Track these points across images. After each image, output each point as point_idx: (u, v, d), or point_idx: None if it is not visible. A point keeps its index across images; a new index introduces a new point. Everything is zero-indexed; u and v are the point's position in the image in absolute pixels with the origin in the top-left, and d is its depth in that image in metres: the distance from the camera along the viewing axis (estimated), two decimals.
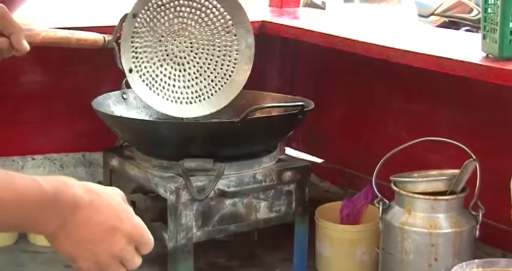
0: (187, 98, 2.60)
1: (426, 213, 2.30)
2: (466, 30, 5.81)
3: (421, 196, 2.31)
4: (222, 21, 2.59)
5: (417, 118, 2.84)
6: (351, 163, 3.12)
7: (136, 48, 2.49)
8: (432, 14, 6.25)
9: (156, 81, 2.54)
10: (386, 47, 2.47)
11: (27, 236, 2.85)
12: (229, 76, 2.62)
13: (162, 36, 2.54)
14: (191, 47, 2.59)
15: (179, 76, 2.59)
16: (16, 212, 0.99)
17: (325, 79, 3.21)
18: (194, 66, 2.61)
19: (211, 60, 2.62)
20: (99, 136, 2.80)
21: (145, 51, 2.51)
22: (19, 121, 2.99)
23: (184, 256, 2.32)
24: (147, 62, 2.52)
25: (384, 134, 2.95)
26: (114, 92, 2.59)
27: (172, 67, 2.58)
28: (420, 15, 6.48)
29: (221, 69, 2.62)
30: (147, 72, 2.52)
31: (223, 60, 2.62)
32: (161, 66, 2.56)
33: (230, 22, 2.59)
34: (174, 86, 2.57)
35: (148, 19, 2.48)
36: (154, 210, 2.36)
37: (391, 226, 2.35)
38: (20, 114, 2.98)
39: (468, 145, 2.32)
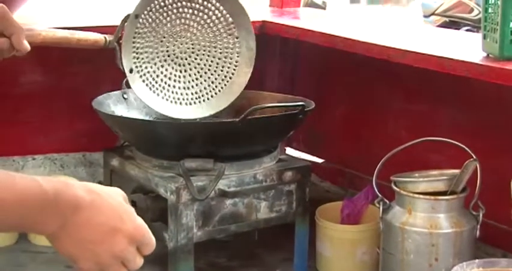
0: (187, 99, 2.60)
1: (427, 213, 2.30)
2: (467, 30, 5.81)
3: (421, 196, 2.30)
4: (224, 23, 2.59)
5: (418, 118, 2.84)
6: (352, 163, 3.12)
7: (137, 48, 2.49)
8: (433, 14, 6.24)
9: (156, 82, 2.54)
10: (387, 47, 2.47)
11: (27, 236, 2.84)
12: (230, 78, 2.62)
13: (164, 37, 2.54)
14: (192, 48, 2.59)
15: (179, 77, 2.59)
16: (16, 212, 0.99)
17: (326, 79, 3.21)
18: (195, 68, 2.61)
19: (212, 61, 2.62)
20: (99, 136, 2.80)
21: (146, 52, 2.51)
22: (19, 121, 2.98)
23: (184, 256, 2.32)
24: (148, 62, 2.52)
25: (385, 133, 2.95)
26: (115, 92, 2.59)
27: (173, 68, 2.58)
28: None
29: (222, 71, 2.62)
30: (148, 72, 2.52)
31: (224, 62, 2.62)
32: (162, 66, 2.55)
33: (232, 24, 2.59)
34: (174, 86, 2.57)
35: (150, 20, 2.48)
36: (154, 210, 2.36)
37: (392, 226, 2.34)
38: (20, 114, 2.98)
39: (469, 146, 2.32)
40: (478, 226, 2.31)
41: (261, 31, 2.91)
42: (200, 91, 2.61)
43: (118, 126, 2.48)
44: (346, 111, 3.15)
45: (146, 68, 2.52)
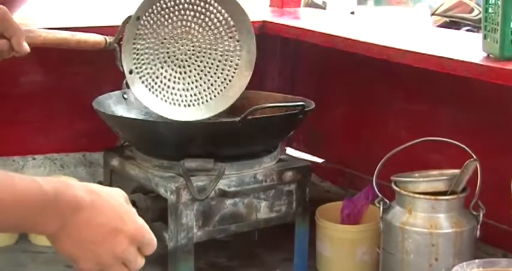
0: (186, 101, 2.60)
1: (427, 213, 2.30)
2: (467, 30, 5.80)
3: (421, 196, 2.30)
4: (226, 26, 2.59)
5: (418, 118, 2.84)
6: (352, 163, 3.12)
7: (137, 49, 2.49)
8: (433, 14, 6.24)
9: (155, 83, 2.54)
10: (387, 47, 2.47)
11: (27, 236, 2.84)
12: (229, 81, 2.63)
13: (165, 39, 2.54)
14: (193, 50, 2.59)
15: (179, 79, 2.59)
16: (16, 213, 0.99)
17: (326, 79, 3.21)
18: (195, 70, 2.61)
19: (212, 64, 2.62)
20: (99, 136, 2.80)
21: (146, 53, 2.51)
22: (19, 121, 2.98)
23: (184, 256, 2.32)
24: (148, 63, 2.53)
25: (385, 133, 2.95)
26: (115, 92, 2.59)
27: (173, 69, 2.58)
28: None
29: (221, 73, 2.63)
30: (147, 73, 2.52)
31: (224, 64, 2.63)
32: (162, 68, 2.56)
33: (233, 28, 2.59)
34: (173, 88, 2.58)
35: (151, 22, 2.49)
36: (154, 210, 2.36)
37: (392, 226, 2.34)
38: (21, 114, 2.98)
39: (469, 145, 2.32)
40: (478, 226, 2.31)
41: (261, 31, 2.91)
42: (199, 93, 2.62)
43: (118, 126, 2.48)
44: (346, 111, 3.15)
45: (146, 69, 2.52)
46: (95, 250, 1.02)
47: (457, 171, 2.30)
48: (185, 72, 2.60)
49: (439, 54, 2.31)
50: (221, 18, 2.58)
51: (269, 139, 2.47)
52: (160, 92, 2.55)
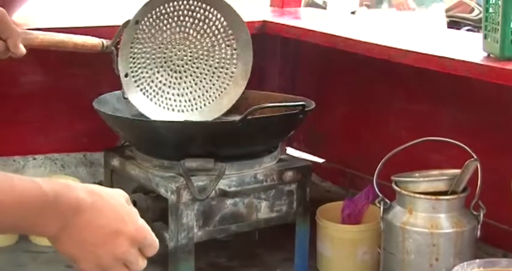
0: (180, 106, 2.61)
1: (427, 213, 2.30)
2: (467, 30, 5.80)
3: (422, 196, 2.30)
4: (224, 34, 2.60)
5: (418, 118, 2.84)
6: (352, 163, 3.12)
7: (134, 53, 2.50)
8: None
9: (150, 87, 2.56)
10: (387, 47, 2.47)
11: (28, 236, 2.84)
12: (224, 88, 2.64)
13: (162, 44, 2.55)
14: (190, 56, 2.60)
15: (174, 84, 2.60)
16: (16, 214, 0.98)
17: (326, 79, 3.21)
18: (191, 75, 2.62)
19: (208, 71, 2.63)
20: (100, 136, 2.80)
21: (143, 57, 2.52)
22: (20, 121, 2.98)
23: (185, 256, 2.32)
24: (144, 67, 2.54)
25: (385, 133, 2.95)
26: (115, 92, 2.59)
27: (168, 74, 2.59)
28: None
29: (217, 81, 2.64)
30: (143, 77, 2.54)
31: (220, 72, 2.64)
32: (157, 72, 2.57)
33: (231, 36, 2.60)
34: (168, 93, 2.59)
35: (150, 26, 2.50)
36: (155, 210, 2.36)
37: (392, 226, 2.34)
38: (21, 114, 2.98)
39: (469, 145, 2.32)
40: (479, 226, 2.31)
41: (261, 31, 2.91)
42: (194, 99, 2.63)
43: (118, 126, 2.48)
44: (346, 111, 3.15)
45: (142, 73, 2.53)
46: (96, 252, 1.02)
47: (457, 171, 2.30)
48: (181, 78, 2.61)
49: (440, 54, 2.31)
50: (219, 26, 2.59)
51: (269, 139, 2.47)
52: (154, 96, 2.56)
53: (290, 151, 3.28)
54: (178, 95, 2.61)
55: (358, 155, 3.09)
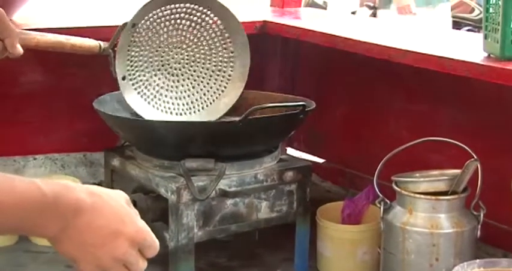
0: (178, 110, 2.62)
1: (427, 213, 2.30)
2: (468, 30, 5.81)
3: (422, 196, 2.30)
4: (221, 37, 2.61)
5: (418, 118, 2.84)
6: (352, 163, 3.12)
7: (131, 56, 2.51)
8: None
9: (148, 90, 2.56)
10: (387, 47, 2.47)
11: (28, 236, 2.84)
12: (222, 91, 2.65)
13: (159, 47, 2.56)
14: (187, 59, 2.61)
15: (172, 87, 2.61)
16: (15, 215, 0.98)
17: (327, 79, 3.21)
18: (188, 79, 2.63)
19: (205, 74, 2.64)
20: (100, 136, 2.80)
21: (140, 60, 2.53)
22: (20, 121, 2.98)
23: (185, 256, 2.32)
24: (142, 71, 2.54)
25: (385, 133, 2.95)
26: (115, 92, 2.59)
27: (166, 78, 2.60)
28: None
29: (214, 84, 2.65)
30: (140, 80, 2.54)
31: (218, 75, 2.65)
32: (155, 75, 2.57)
33: (228, 39, 2.61)
34: (166, 96, 2.60)
35: (147, 29, 2.50)
36: (155, 210, 2.36)
37: (393, 226, 2.34)
38: (21, 114, 2.98)
39: (469, 146, 2.32)
40: (479, 226, 2.31)
41: (261, 31, 2.91)
42: (192, 102, 2.64)
43: (119, 126, 2.48)
44: (346, 111, 3.15)
45: (139, 76, 2.54)
46: (96, 253, 1.02)
47: (457, 171, 2.30)
48: (178, 81, 2.61)
49: (440, 54, 2.31)
50: (216, 29, 2.60)
51: (270, 139, 2.47)
52: (152, 100, 2.57)
53: (290, 151, 3.28)
54: (176, 98, 2.62)
55: (358, 155, 3.09)
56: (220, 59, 2.63)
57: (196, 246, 2.34)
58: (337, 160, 3.22)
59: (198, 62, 2.63)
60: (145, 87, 2.56)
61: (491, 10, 2.23)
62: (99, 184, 2.97)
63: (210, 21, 2.59)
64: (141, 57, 2.53)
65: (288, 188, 2.46)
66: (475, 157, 2.27)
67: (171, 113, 2.61)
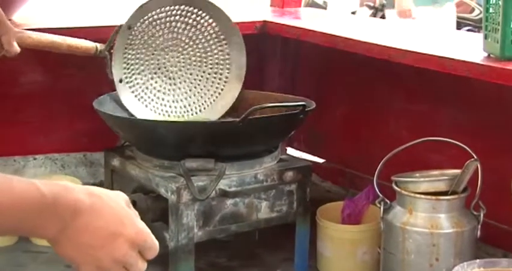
0: (176, 112, 2.62)
1: (427, 213, 2.30)
2: (468, 30, 5.80)
3: (422, 196, 2.30)
4: (216, 39, 2.61)
5: (418, 118, 2.84)
6: (352, 163, 3.12)
7: (128, 59, 2.51)
8: None
9: (145, 93, 2.57)
10: (387, 47, 2.47)
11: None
12: (219, 94, 2.66)
13: (155, 50, 2.56)
14: (183, 62, 2.62)
15: (169, 90, 2.61)
16: (14, 216, 0.98)
17: (327, 79, 3.21)
18: (185, 82, 2.63)
19: (202, 76, 2.65)
20: (100, 136, 2.80)
21: (137, 63, 2.53)
22: (20, 121, 2.98)
23: (185, 256, 2.32)
24: (138, 73, 2.55)
25: (385, 133, 2.95)
26: (115, 92, 2.59)
27: (163, 81, 2.60)
28: None
29: (211, 86, 2.65)
30: (137, 83, 2.55)
31: (214, 77, 2.65)
32: (152, 79, 2.58)
33: (224, 41, 2.62)
34: (163, 99, 2.60)
35: (143, 32, 2.50)
36: (155, 210, 2.36)
37: (393, 226, 2.34)
38: (21, 114, 2.98)
39: (469, 146, 2.32)
40: (479, 226, 2.31)
41: (261, 31, 2.91)
42: (189, 105, 2.64)
43: (118, 126, 2.48)
44: (346, 111, 3.15)
45: (136, 79, 2.54)
46: (95, 254, 1.02)
47: (457, 171, 2.30)
48: (175, 84, 2.62)
49: (440, 54, 2.31)
50: (211, 31, 2.60)
51: (270, 139, 2.47)
52: (149, 103, 2.58)
53: (290, 151, 3.28)
54: (173, 101, 2.63)
55: (358, 155, 3.09)
56: (216, 61, 2.64)
57: (196, 246, 2.34)
58: (337, 160, 3.22)
59: (195, 65, 2.63)
60: (142, 91, 2.56)
61: (491, 10, 2.23)
62: (99, 184, 2.97)
63: (205, 24, 2.59)
64: (137, 60, 2.53)
65: (288, 188, 2.46)
66: (475, 157, 2.27)
67: (168, 115, 2.62)
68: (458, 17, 6.07)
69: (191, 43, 2.60)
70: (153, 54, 2.56)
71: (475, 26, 6.05)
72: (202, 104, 2.66)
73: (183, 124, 2.51)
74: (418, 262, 2.31)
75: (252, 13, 3.16)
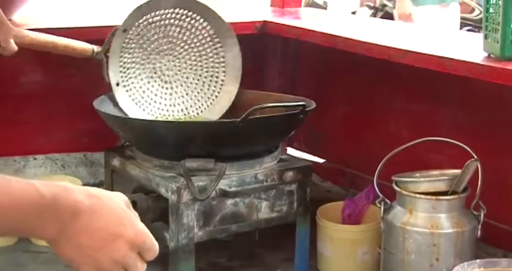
0: (173, 116, 2.63)
1: (428, 213, 2.30)
2: (468, 30, 5.80)
3: (422, 196, 2.30)
4: (211, 43, 2.62)
5: (418, 118, 2.84)
6: (353, 163, 3.12)
7: (124, 62, 2.51)
8: None
9: (142, 97, 2.58)
10: (387, 47, 2.47)
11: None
12: (216, 97, 2.66)
13: (151, 54, 2.57)
14: (179, 66, 2.62)
15: (166, 94, 2.62)
16: (13, 217, 0.97)
17: (327, 79, 3.21)
18: (181, 85, 2.64)
19: (198, 80, 2.65)
20: (100, 136, 2.80)
21: (133, 67, 2.54)
22: (20, 121, 2.98)
23: (185, 256, 2.32)
24: (135, 77, 2.55)
25: (386, 133, 2.95)
26: None
27: (159, 84, 2.61)
28: None
29: (208, 89, 2.66)
30: (134, 87, 2.55)
31: (211, 80, 2.66)
32: (148, 83, 2.58)
33: (219, 44, 2.62)
34: (160, 103, 2.61)
35: (138, 36, 2.51)
36: (155, 210, 2.36)
37: (393, 226, 2.34)
38: (21, 114, 2.98)
39: (470, 145, 2.32)
40: (479, 226, 2.31)
41: (262, 31, 2.91)
42: (186, 109, 2.65)
43: (119, 126, 2.48)
44: (347, 111, 3.15)
45: (133, 83, 2.55)
46: (94, 255, 1.01)
47: (458, 171, 2.30)
48: (171, 88, 2.63)
49: (440, 54, 2.31)
50: (206, 34, 2.61)
51: (270, 139, 2.47)
52: (147, 107, 2.58)
53: (290, 151, 3.28)
54: (170, 105, 2.63)
55: (358, 155, 3.09)
56: (212, 64, 2.65)
57: (196, 246, 2.34)
58: (337, 160, 3.22)
59: (190, 69, 2.64)
60: (139, 94, 2.57)
61: (491, 10, 2.22)
62: (100, 184, 2.97)
63: (200, 27, 2.60)
64: (133, 64, 2.53)
65: (288, 188, 2.46)
66: (475, 157, 2.27)
67: (166, 118, 2.62)
68: None
69: (186, 47, 2.61)
70: (148, 58, 2.56)
71: (475, 26, 6.05)
72: (200, 107, 2.66)
73: (183, 124, 2.51)
74: (418, 262, 2.31)
75: (252, 13, 3.16)
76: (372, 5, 5.95)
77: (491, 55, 2.24)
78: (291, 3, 3.33)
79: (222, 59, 2.63)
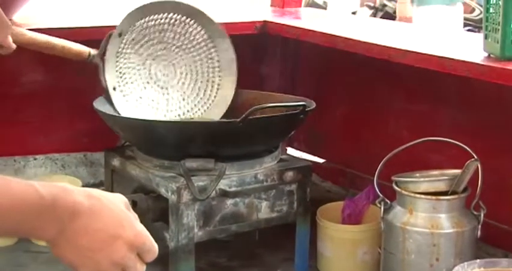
0: None
1: (428, 213, 2.30)
2: (468, 30, 5.81)
3: (422, 196, 2.30)
4: (205, 48, 2.63)
5: (418, 118, 2.84)
6: (353, 163, 3.12)
7: (120, 67, 2.51)
8: None
9: (140, 103, 2.57)
10: (387, 47, 2.47)
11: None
12: (212, 101, 2.67)
13: (146, 59, 2.57)
14: (174, 71, 2.62)
15: (162, 100, 2.62)
16: (13, 218, 0.97)
17: (327, 79, 3.21)
18: (177, 91, 2.64)
19: (194, 85, 2.65)
20: (100, 136, 2.80)
21: (129, 72, 2.54)
22: (20, 121, 2.98)
23: (185, 256, 2.32)
24: (131, 82, 2.55)
25: (386, 133, 2.95)
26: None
27: (155, 90, 2.61)
28: None
29: (204, 94, 2.66)
30: (131, 92, 2.56)
31: (206, 85, 2.66)
32: (145, 88, 2.59)
33: (213, 49, 2.63)
34: (157, 109, 2.62)
35: (133, 41, 2.51)
36: (155, 210, 2.36)
37: (393, 226, 2.34)
38: (21, 114, 2.98)
39: (470, 145, 2.32)
40: (479, 226, 2.31)
41: (262, 31, 2.91)
42: (183, 114, 2.65)
43: (119, 126, 2.48)
44: (347, 111, 3.15)
45: (129, 88, 2.55)
46: (93, 257, 1.01)
47: (458, 171, 2.30)
48: (168, 93, 2.63)
49: (440, 54, 2.31)
50: (200, 39, 2.61)
51: (270, 139, 2.47)
52: (144, 112, 2.57)
53: (290, 151, 3.28)
54: (167, 110, 2.63)
55: (358, 155, 3.09)
56: (207, 69, 2.65)
57: (196, 246, 2.34)
58: (337, 160, 3.22)
59: (186, 74, 2.64)
60: (136, 100, 2.57)
61: (491, 10, 2.23)
62: (100, 184, 2.97)
63: (194, 32, 2.60)
64: (130, 69, 2.54)
65: (288, 188, 2.46)
66: (475, 157, 2.27)
67: None
68: None
69: (181, 52, 2.61)
70: (144, 63, 2.57)
71: (475, 26, 6.05)
72: (197, 111, 2.67)
73: (183, 124, 2.51)
74: (418, 262, 2.31)
75: (252, 13, 3.17)
76: (372, 5, 5.96)
77: (491, 55, 2.24)
78: (291, 3, 3.33)
79: (217, 63, 2.64)
